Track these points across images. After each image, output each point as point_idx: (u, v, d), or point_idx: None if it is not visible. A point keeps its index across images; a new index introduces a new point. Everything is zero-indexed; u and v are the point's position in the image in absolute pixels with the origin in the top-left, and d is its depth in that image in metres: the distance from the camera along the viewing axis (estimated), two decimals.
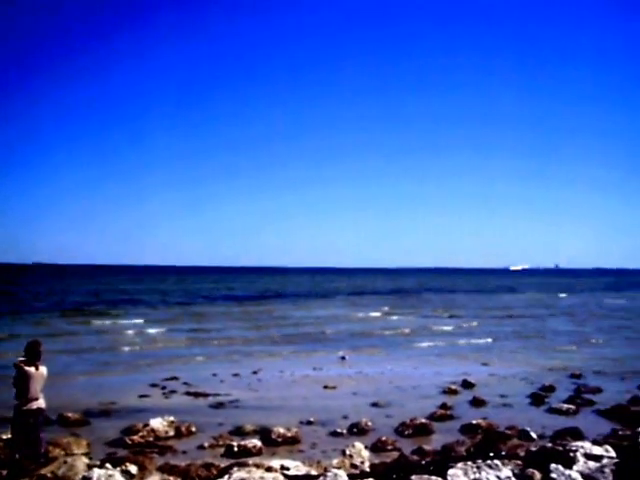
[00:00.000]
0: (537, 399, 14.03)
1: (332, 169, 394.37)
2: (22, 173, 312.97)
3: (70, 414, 11.70)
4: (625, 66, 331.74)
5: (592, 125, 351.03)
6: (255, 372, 17.50)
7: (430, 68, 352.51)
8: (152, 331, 28.11)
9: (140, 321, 32.02)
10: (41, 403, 8.26)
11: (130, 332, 27.83)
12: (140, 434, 10.46)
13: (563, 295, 66.06)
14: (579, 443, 8.26)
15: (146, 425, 10.73)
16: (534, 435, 10.46)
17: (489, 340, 25.76)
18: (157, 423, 10.81)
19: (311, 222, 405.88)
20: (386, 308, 44.52)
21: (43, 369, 8.29)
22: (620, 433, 10.35)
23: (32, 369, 8.16)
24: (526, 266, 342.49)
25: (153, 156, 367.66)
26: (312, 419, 11.89)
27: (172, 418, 11.10)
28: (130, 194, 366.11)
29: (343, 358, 20.34)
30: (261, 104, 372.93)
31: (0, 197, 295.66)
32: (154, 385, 15.40)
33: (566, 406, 13.00)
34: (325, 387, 15.37)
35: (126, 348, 22.60)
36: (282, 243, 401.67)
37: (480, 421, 11.35)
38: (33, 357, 8.24)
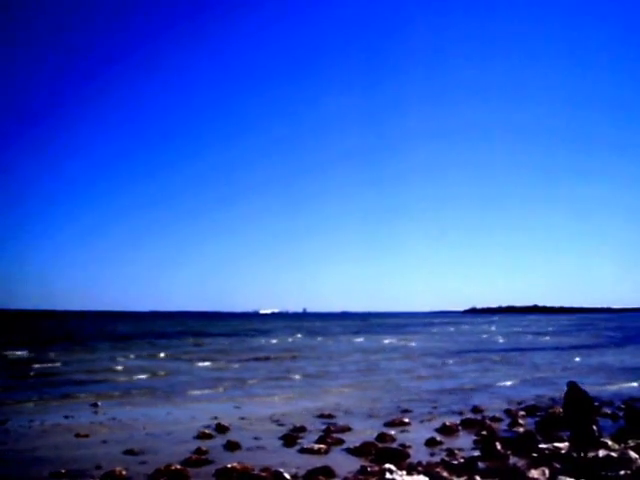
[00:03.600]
0: (289, 440, 14.58)
1: None
2: None
3: None
4: None
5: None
6: (2, 422, 16.46)
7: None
8: None
9: None
10: None
11: None
12: None
13: (318, 338, 68.85)
14: None
15: None
16: (288, 476, 10.95)
17: (241, 383, 26.25)
18: None
19: None
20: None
21: None
22: (369, 469, 11.26)
23: None
24: (275, 310, 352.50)
25: None
26: (63, 470, 11.46)
27: None
28: None
29: (96, 405, 19.72)
30: None
31: None
32: None
33: (317, 446, 13.66)
34: (77, 435, 14.83)
35: None
36: None
37: (235, 464, 11.59)
38: None
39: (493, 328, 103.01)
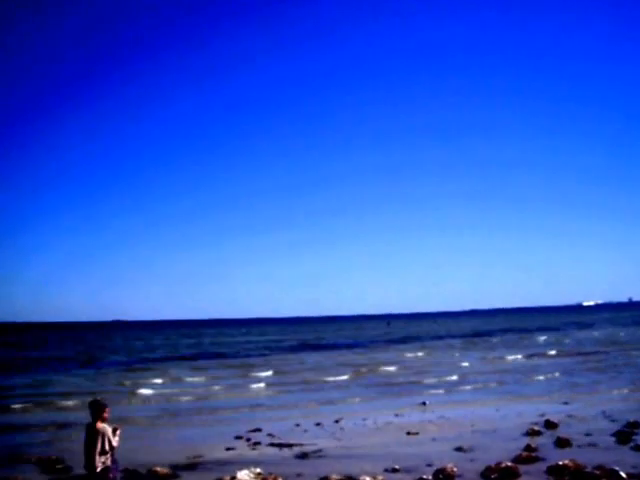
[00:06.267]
0: (623, 437, 13.62)
1: None
2: None
3: (159, 468, 11.90)
4: None
5: None
6: (337, 421, 17.55)
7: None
8: (228, 382, 28.66)
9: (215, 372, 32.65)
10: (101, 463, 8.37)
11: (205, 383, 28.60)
12: None
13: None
14: None
15: (233, 478, 10.88)
16: (624, 475, 10.18)
17: (568, 377, 25.36)
18: (244, 475, 10.93)
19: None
20: (461, 351, 44.09)
21: (103, 428, 8.44)
22: None
23: (93, 429, 8.43)
24: (599, 301, 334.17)
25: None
26: (397, 466, 11.82)
27: (259, 470, 11.21)
28: None
29: (424, 403, 20.25)
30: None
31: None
32: (239, 437, 15.52)
33: None
34: (408, 433, 15.31)
35: (207, 399, 23.46)
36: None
37: (567, 462, 11.06)
38: (94, 417, 8.51)
39: None
